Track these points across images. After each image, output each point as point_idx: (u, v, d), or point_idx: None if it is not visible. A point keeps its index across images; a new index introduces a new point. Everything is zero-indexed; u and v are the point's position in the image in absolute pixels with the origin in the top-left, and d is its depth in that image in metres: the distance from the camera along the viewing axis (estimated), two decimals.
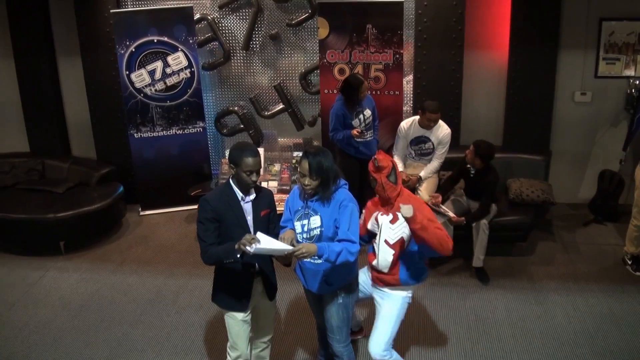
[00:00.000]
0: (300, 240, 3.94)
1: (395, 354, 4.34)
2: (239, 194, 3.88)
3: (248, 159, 3.74)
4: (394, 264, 4.23)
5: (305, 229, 3.92)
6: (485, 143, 5.82)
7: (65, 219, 6.72)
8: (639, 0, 6.79)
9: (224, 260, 3.81)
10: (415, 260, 4.28)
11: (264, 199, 4.01)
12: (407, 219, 3.95)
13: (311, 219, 3.90)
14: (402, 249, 4.20)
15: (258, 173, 3.84)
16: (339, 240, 3.79)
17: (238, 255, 3.68)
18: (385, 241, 4.21)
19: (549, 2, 6.87)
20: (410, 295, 4.37)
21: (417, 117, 6.29)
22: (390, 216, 4.18)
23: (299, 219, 3.96)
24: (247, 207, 3.91)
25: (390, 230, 4.18)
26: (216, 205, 3.83)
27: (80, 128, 8.28)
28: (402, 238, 4.17)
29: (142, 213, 7.85)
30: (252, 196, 3.92)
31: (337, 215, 3.84)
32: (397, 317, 4.32)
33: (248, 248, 3.53)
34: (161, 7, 7.52)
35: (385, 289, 4.33)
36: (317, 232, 3.90)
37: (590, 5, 6.89)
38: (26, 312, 5.70)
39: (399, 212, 4.04)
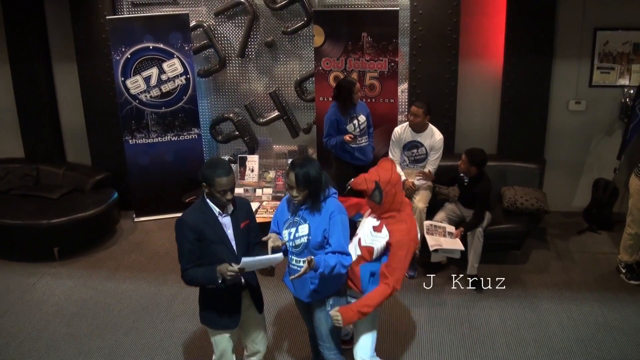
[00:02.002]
0: (287, 249, 3.98)
1: None
2: (216, 210, 3.85)
3: (221, 179, 3.70)
4: (355, 270, 4.20)
5: (292, 237, 3.93)
6: (478, 150, 5.86)
7: (60, 225, 6.71)
8: (634, 10, 6.82)
9: (206, 285, 3.82)
10: (376, 273, 4.22)
11: (242, 210, 3.99)
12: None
13: (299, 227, 3.91)
14: (367, 258, 4.17)
15: (232, 191, 3.80)
16: (333, 252, 3.80)
17: (220, 281, 3.69)
18: (359, 240, 4.20)
19: (544, 11, 6.90)
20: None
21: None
22: (377, 223, 4.17)
23: (287, 227, 3.97)
24: (226, 221, 3.89)
25: (369, 235, 4.17)
26: (194, 224, 3.79)
27: (75, 134, 8.26)
28: (372, 247, 4.14)
29: (136, 219, 7.84)
30: (230, 209, 3.90)
31: (326, 225, 3.85)
32: (374, 318, 4.30)
33: (228, 276, 3.62)
34: (157, 13, 7.54)
35: (354, 296, 4.31)
36: (303, 240, 3.91)
37: (585, 15, 6.92)
38: (19, 318, 5.68)
39: (385, 226, 4.10)
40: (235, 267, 3.61)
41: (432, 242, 5.72)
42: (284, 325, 5.45)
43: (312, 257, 3.71)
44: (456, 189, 6.35)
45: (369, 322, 4.26)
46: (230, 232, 3.89)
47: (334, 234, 3.83)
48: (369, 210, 4.29)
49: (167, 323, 5.55)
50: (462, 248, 5.77)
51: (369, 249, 4.14)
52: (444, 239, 5.78)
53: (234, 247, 3.88)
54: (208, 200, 3.85)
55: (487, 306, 5.67)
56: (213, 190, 3.73)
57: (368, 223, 4.22)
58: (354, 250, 4.17)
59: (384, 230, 4.11)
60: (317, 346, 4.33)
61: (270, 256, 3.71)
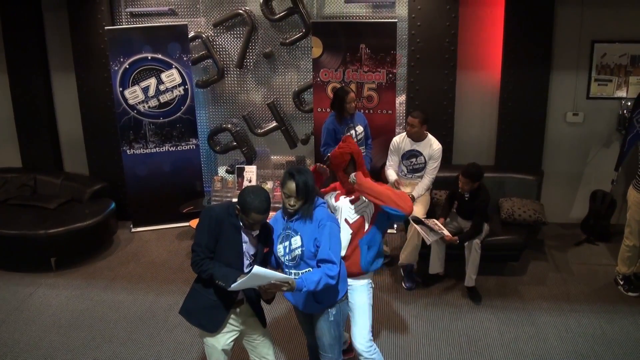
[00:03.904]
0: (283, 262, 3.99)
1: (377, 350, 4.46)
2: (241, 223, 3.86)
3: (257, 216, 3.70)
4: (353, 249, 4.31)
5: (287, 250, 3.93)
6: (474, 166, 5.81)
7: (57, 235, 6.68)
8: (631, 23, 6.86)
9: (217, 281, 3.75)
10: (373, 245, 4.37)
11: (268, 236, 4.01)
12: (356, 187, 4.22)
13: (292, 239, 3.91)
14: (360, 232, 4.30)
15: (260, 225, 3.84)
16: (319, 260, 3.80)
17: (229, 289, 3.66)
18: (345, 220, 4.33)
19: (542, 23, 6.93)
20: (371, 281, 4.51)
21: None
22: (352, 197, 4.36)
23: (281, 242, 3.97)
24: (247, 237, 3.89)
25: (350, 209, 4.32)
26: (220, 217, 3.81)
27: (73, 144, 8.27)
28: (362, 217, 4.31)
29: (133, 230, 7.82)
30: (255, 232, 3.89)
31: (317, 234, 3.85)
32: (369, 305, 4.46)
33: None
34: (156, 24, 7.56)
35: (350, 282, 4.37)
36: (298, 252, 3.91)
37: (583, 27, 6.95)
38: (16, 329, 5.65)
39: (360, 194, 4.30)
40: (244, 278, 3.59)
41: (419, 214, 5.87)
42: (282, 337, 5.43)
43: (294, 279, 3.70)
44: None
45: (365, 307, 4.42)
46: (245, 246, 3.88)
47: (321, 243, 3.84)
48: (337, 193, 4.49)
49: (164, 334, 5.53)
50: (443, 235, 5.74)
51: (360, 220, 4.31)
52: (432, 223, 5.80)
53: (244, 262, 3.88)
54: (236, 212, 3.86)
55: (485, 318, 5.66)
56: (243, 217, 3.75)
57: (344, 204, 4.38)
58: (346, 234, 4.30)
59: (361, 197, 4.31)
60: (316, 357, 4.32)
61: (280, 274, 3.68)
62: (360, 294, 4.43)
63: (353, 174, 4.24)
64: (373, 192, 4.15)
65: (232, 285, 3.62)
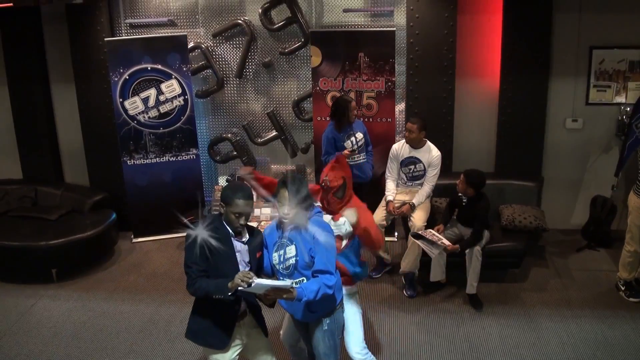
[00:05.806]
0: (278, 270, 3.98)
1: (371, 355, 4.54)
2: (230, 231, 3.85)
3: (239, 201, 3.72)
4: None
5: (282, 259, 3.93)
6: (476, 172, 5.86)
7: (58, 246, 6.68)
8: (629, 28, 6.88)
9: (214, 296, 3.72)
10: (355, 254, 4.48)
11: (258, 241, 4.00)
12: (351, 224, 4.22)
13: (287, 248, 3.91)
14: (339, 247, 4.31)
15: (247, 217, 3.82)
16: (316, 271, 3.80)
17: (229, 293, 3.63)
18: None
19: (539, 30, 6.95)
20: (355, 288, 4.63)
21: None
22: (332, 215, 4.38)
23: (277, 250, 3.97)
24: (238, 245, 3.88)
25: (332, 227, 4.26)
26: (205, 233, 3.76)
27: (73, 155, 8.28)
28: (339, 235, 4.32)
29: (134, 240, 7.82)
30: (245, 238, 3.90)
31: (311, 244, 3.84)
32: (358, 312, 4.57)
33: (243, 284, 3.52)
34: (155, 35, 7.58)
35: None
36: (292, 261, 3.90)
37: (581, 33, 6.97)
38: (17, 341, 5.64)
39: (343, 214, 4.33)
40: (252, 276, 3.57)
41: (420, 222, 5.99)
42: (282, 346, 5.41)
43: (294, 288, 3.68)
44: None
45: (356, 316, 4.53)
46: (238, 255, 3.87)
47: (317, 253, 3.82)
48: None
49: (165, 345, 5.53)
50: (441, 249, 5.76)
51: (338, 238, 4.29)
52: (430, 235, 5.80)
53: (241, 270, 3.86)
54: (223, 220, 3.85)
55: (487, 325, 5.66)
56: (229, 210, 3.75)
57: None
58: None
59: (341, 218, 4.35)
60: None
61: (279, 282, 3.69)
62: (348, 304, 4.50)
63: (352, 212, 4.25)
64: (366, 234, 4.31)
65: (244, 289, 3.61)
